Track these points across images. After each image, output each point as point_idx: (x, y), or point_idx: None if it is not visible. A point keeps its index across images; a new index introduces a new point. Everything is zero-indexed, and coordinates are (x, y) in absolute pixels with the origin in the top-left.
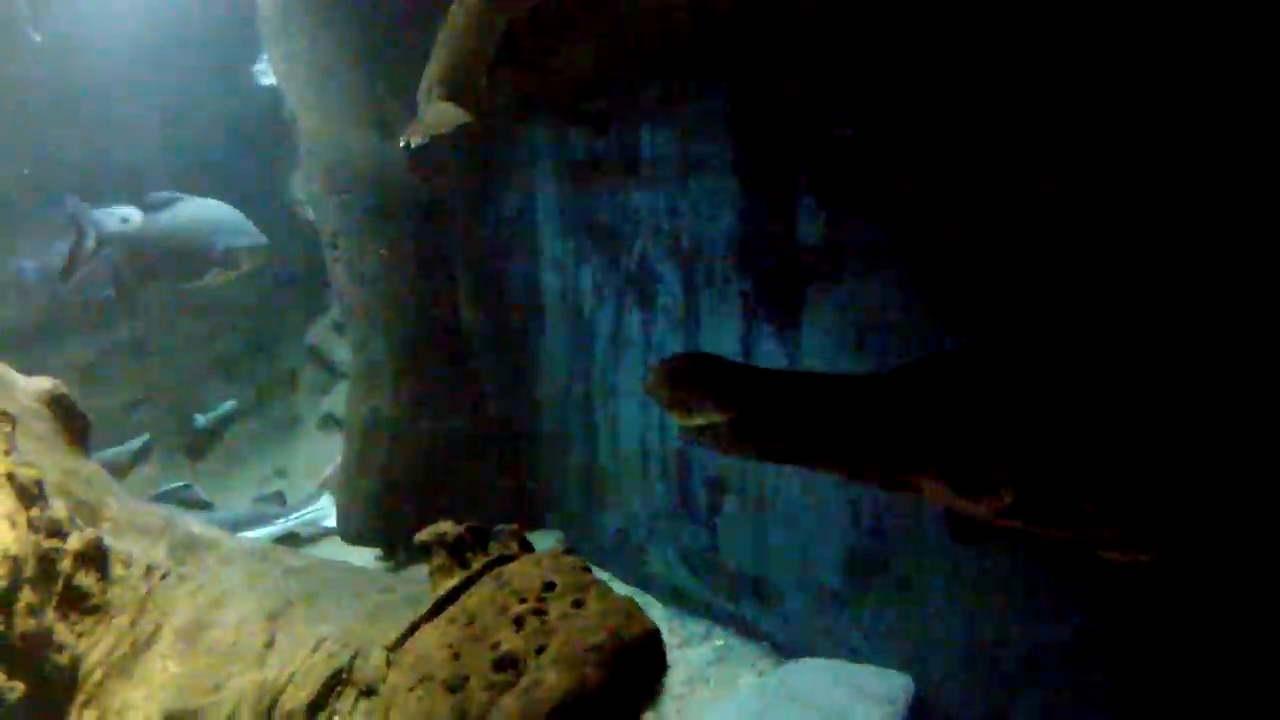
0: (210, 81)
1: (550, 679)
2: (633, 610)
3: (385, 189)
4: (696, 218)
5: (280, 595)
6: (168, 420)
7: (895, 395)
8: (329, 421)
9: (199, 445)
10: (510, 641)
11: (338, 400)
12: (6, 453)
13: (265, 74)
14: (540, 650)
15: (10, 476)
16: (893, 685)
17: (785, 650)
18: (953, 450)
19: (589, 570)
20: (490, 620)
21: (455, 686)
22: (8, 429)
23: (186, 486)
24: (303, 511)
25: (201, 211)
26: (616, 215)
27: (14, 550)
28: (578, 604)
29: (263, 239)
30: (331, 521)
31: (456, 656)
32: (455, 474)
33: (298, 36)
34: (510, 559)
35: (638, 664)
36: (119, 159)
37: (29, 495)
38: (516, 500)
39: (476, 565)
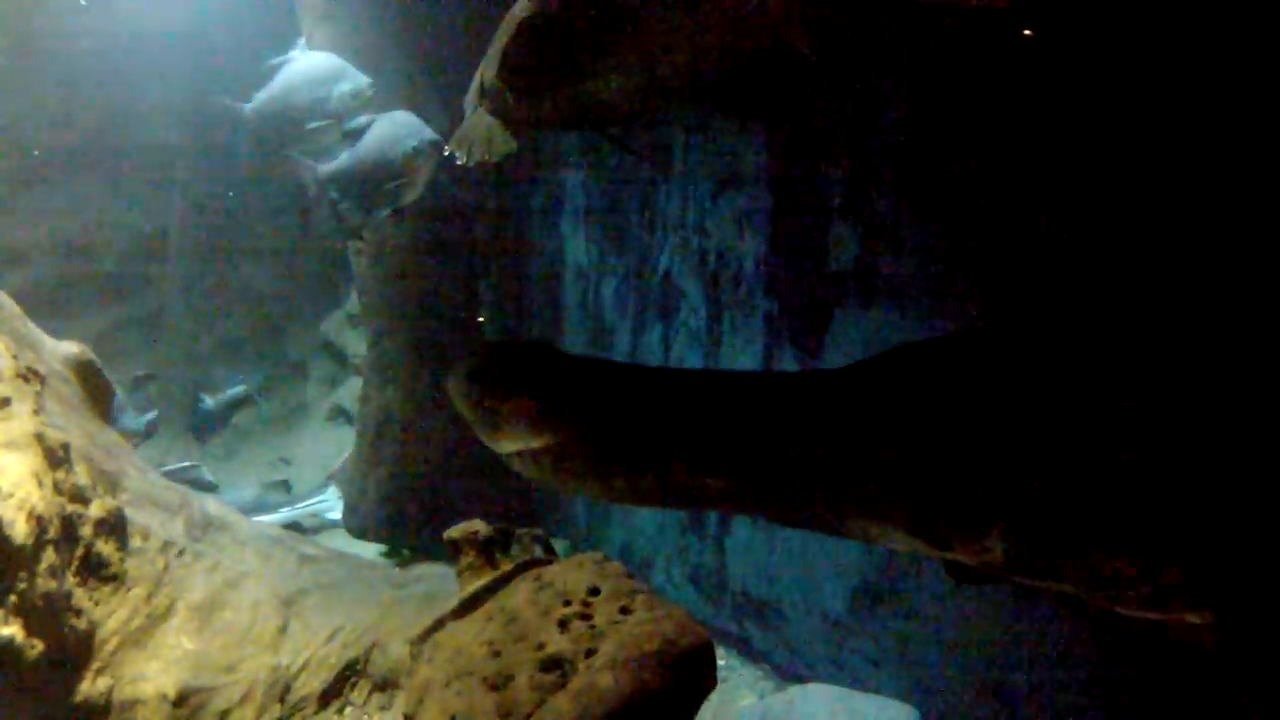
0: (242, 64)
1: (606, 682)
2: (685, 619)
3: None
4: (725, 235)
5: (295, 582)
6: (175, 399)
7: (833, 405)
8: (338, 413)
9: (205, 427)
10: (556, 643)
11: (348, 393)
12: (35, 411)
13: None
14: (590, 653)
15: (39, 436)
16: (898, 715)
17: (787, 674)
18: (914, 487)
19: (632, 577)
20: (533, 621)
21: (498, 684)
22: (37, 388)
23: (193, 467)
24: (308, 502)
25: (391, 126)
26: (644, 227)
27: (40, 509)
28: (625, 610)
29: (431, 134)
30: (336, 514)
31: (497, 654)
32: (465, 475)
33: (340, 22)
34: (543, 562)
35: (691, 673)
36: (145, 136)
37: (55, 457)
38: (524, 506)
39: (506, 566)
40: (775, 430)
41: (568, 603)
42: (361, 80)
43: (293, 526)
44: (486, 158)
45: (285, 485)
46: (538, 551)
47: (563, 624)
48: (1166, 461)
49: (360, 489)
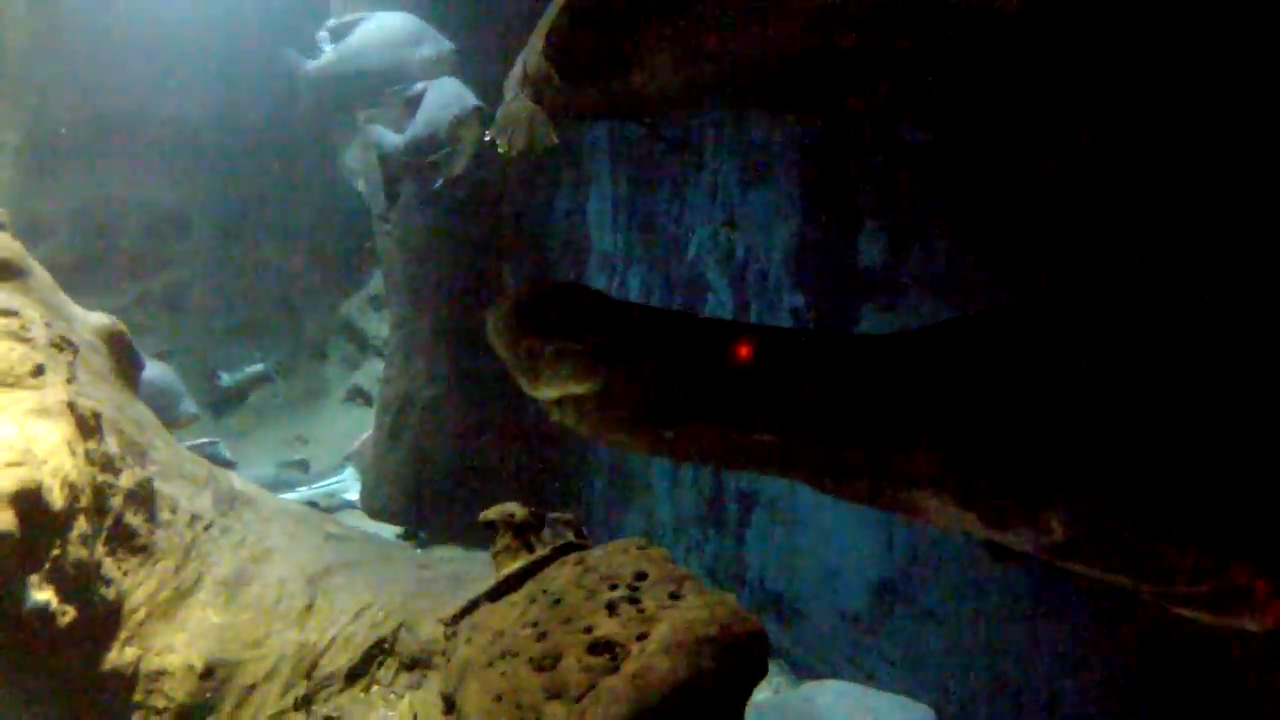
0: (271, 42)
1: (663, 665)
2: (738, 606)
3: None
4: (754, 229)
5: (320, 559)
6: (193, 376)
7: (888, 368)
8: (357, 394)
9: (222, 404)
10: (605, 626)
11: (367, 375)
12: (69, 381)
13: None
14: (641, 637)
15: (71, 405)
16: (915, 715)
17: (802, 670)
18: (976, 456)
19: (676, 562)
20: (579, 604)
21: (545, 666)
22: (70, 357)
23: (211, 443)
24: (325, 481)
25: (438, 94)
26: (672, 219)
27: (73, 477)
28: (674, 595)
29: (472, 100)
30: (353, 495)
31: (543, 636)
32: (484, 459)
33: (368, 3)
34: (580, 546)
35: (745, 660)
36: (167, 112)
37: (87, 426)
38: (541, 492)
39: (541, 549)
40: (833, 389)
41: (614, 586)
42: (444, 44)
43: (309, 506)
44: (527, 149)
45: (304, 464)
46: (570, 536)
47: (611, 607)
48: (1250, 450)
49: (379, 470)
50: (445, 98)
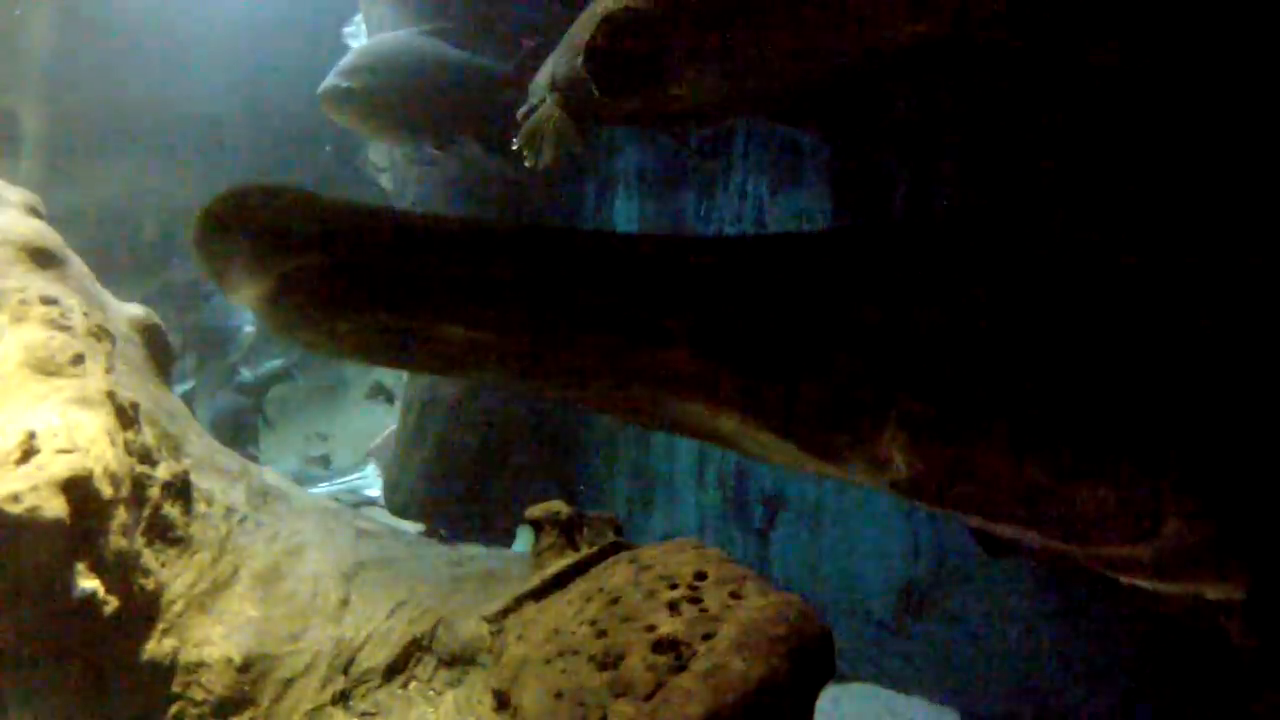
0: (295, 39)
1: (736, 666)
2: (804, 605)
3: (467, 163)
4: (784, 230)
5: (353, 555)
6: (212, 371)
7: (635, 260)
8: (378, 392)
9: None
10: (668, 625)
11: (387, 372)
12: (107, 370)
13: (355, 36)
14: (707, 637)
15: (111, 395)
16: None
17: None
18: (761, 359)
19: (735, 562)
20: (638, 602)
21: (607, 664)
22: (108, 347)
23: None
24: (347, 478)
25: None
26: (699, 220)
27: (113, 467)
28: (735, 595)
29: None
30: (374, 491)
31: (603, 634)
32: (508, 458)
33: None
34: (628, 545)
35: (815, 659)
36: (189, 106)
37: (125, 417)
38: (563, 492)
39: (587, 548)
40: (551, 270)
41: (674, 585)
42: None
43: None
44: (553, 160)
45: (324, 460)
46: (610, 535)
47: (672, 606)
48: (1176, 345)
49: (402, 467)
50: None
